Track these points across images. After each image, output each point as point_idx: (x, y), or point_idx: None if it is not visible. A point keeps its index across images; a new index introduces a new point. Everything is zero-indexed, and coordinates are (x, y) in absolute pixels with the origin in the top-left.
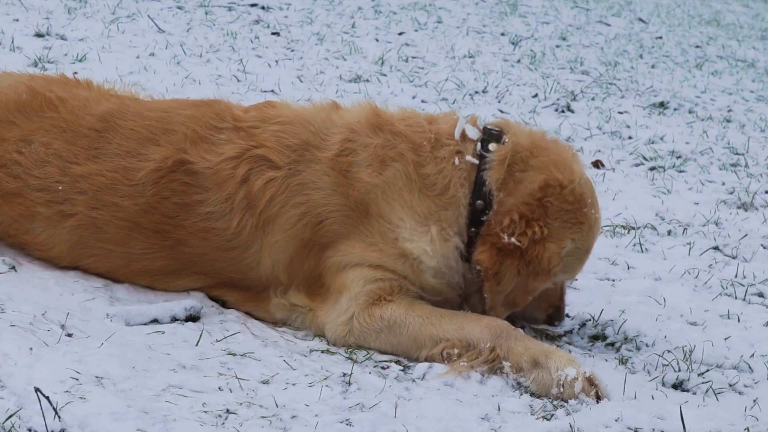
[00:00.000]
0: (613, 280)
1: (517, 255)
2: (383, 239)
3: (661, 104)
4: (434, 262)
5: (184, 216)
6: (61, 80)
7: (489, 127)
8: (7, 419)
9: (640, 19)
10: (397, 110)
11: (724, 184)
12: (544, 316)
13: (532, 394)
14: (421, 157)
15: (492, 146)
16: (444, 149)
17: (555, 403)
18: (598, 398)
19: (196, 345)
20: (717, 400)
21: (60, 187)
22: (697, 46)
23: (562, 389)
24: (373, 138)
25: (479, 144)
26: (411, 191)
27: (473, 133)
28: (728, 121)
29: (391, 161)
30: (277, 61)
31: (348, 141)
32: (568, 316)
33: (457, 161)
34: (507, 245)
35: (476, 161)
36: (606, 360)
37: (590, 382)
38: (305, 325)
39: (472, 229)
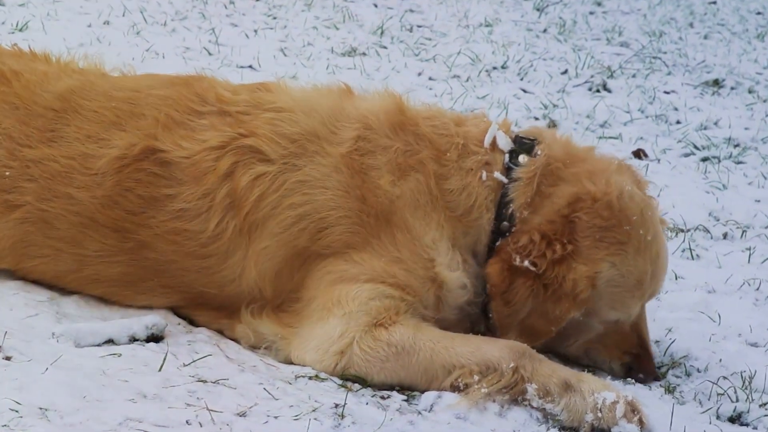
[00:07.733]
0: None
1: (532, 276)
2: (413, 256)
3: (716, 82)
4: (467, 297)
5: (151, 213)
6: (15, 53)
7: (521, 135)
8: None
9: None
10: (421, 107)
11: None
12: (618, 365)
13: (561, 429)
14: (444, 167)
15: (522, 158)
16: (471, 158)
17: None
18: (642, 426)
19: (159, 370)
20: None
21: (7, 173)
22: (759, 13)
23: (599, 414)
24: (393, 140)
25: (508, 156)
26: (436, 209)
27: (504, 143)
28: None
29: (411, 171)
30: (256, 31)
31: (363, 139)
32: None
33: (484, 176)
34: (519, 267)
35: (504, 180)
36: (649, 388)
37: (632, 407)
38: (280, 359)
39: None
